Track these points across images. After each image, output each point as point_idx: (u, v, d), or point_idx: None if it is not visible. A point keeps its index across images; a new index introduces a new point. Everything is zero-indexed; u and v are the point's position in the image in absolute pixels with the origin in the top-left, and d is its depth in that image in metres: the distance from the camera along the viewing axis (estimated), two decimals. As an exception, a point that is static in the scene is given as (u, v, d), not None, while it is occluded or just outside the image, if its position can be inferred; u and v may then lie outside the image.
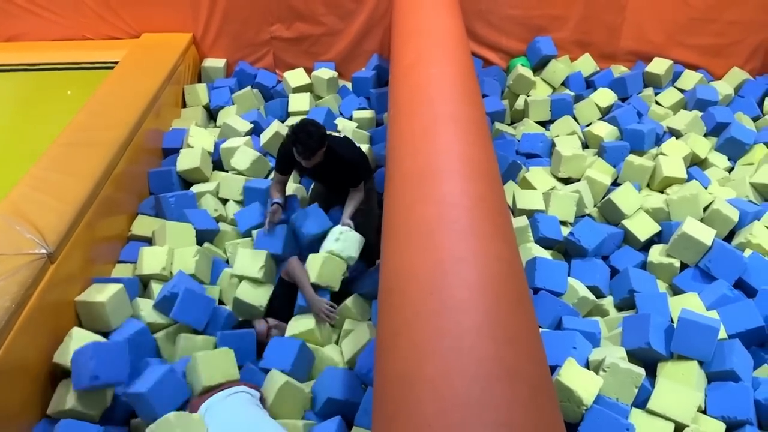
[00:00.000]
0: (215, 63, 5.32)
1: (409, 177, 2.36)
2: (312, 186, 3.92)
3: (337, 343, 3.19)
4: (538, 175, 4.11)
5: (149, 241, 3.65)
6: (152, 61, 4.79)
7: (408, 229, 2.09)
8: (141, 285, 3.35)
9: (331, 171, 3.40)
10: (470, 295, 1.72)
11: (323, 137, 3.20)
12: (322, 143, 3.19)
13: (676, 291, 3.38)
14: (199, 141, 4.29)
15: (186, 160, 4.06)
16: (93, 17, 5.22)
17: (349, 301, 3.24)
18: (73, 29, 5.26)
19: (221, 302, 3.40)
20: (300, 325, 3.11)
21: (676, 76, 5.19)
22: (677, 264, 3.42)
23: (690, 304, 3.10)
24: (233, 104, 4.91)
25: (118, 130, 3.80)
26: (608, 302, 3.37)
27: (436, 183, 2.23)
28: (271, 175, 4.05)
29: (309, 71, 5.20)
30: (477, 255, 1.87)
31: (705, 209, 3.71)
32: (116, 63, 4.78)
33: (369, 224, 3.55)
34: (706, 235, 3.36)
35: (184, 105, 4.97)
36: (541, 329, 3.02)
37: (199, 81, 5.30)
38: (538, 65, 5.24)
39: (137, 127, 3.97)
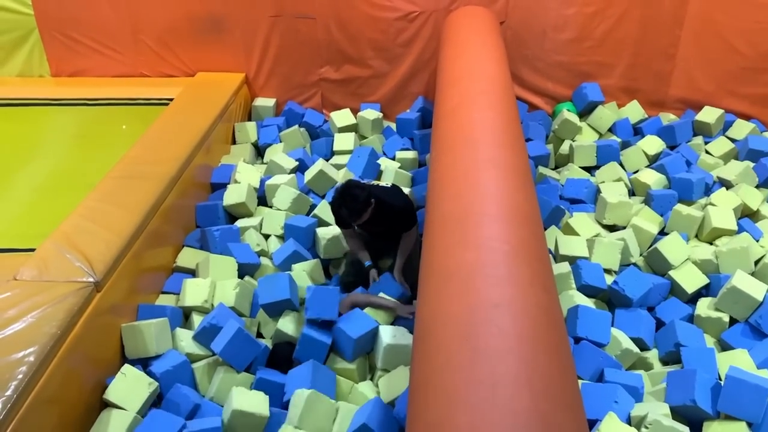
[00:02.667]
0: (265, 102, 5.48)
1: (449, 220, 2.36)
2: (348, 236, 3.77)
3: (371, 379, 3.16)
4: (582, 221, 4.05)
5: (193, 272, 3.73)
6: (206, 98, 4.97)
7: (445, 272, 2.08)
8: (183, 316, 3.42)
9: (383, 221, 3.40)
10: (506, 343, 1.69)
11: (368, 198, 3.22)
12: (368, 204, 3.21)
13: (724, 347, 3.25)
14: (245, 177, 4.40)
15: (232, 195, 4.16)
16: (151, 56, 5.47)
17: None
18: (133, 67, 5.52)
19: (259, 335, 3.43)
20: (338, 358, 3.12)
21: (727, 125, 5.09)
22: (726, 318, 3.29)
23: (739, 361, 2.98)
24: (280, 142, 5.03)
25: (169, 165, 3.94)
26: (653, 355, 3.26)
27: (476, 227, 2.22)
28: (314, 211, 4.13)
29: (355, 112, 5.30)
30: (514, 302, 1.85)
31: (756, 263, 3.59)
32: (171, 100, 4.98)
33: (413, 267, 3.55)
34: (757, 289, 3.23)
35: (234, 142, 5.12)
36: (581, 381, 2.93)
37: (250, 119, 5.46)
38: (585, 111, 5.22)
39: (188, 162, 4.09)
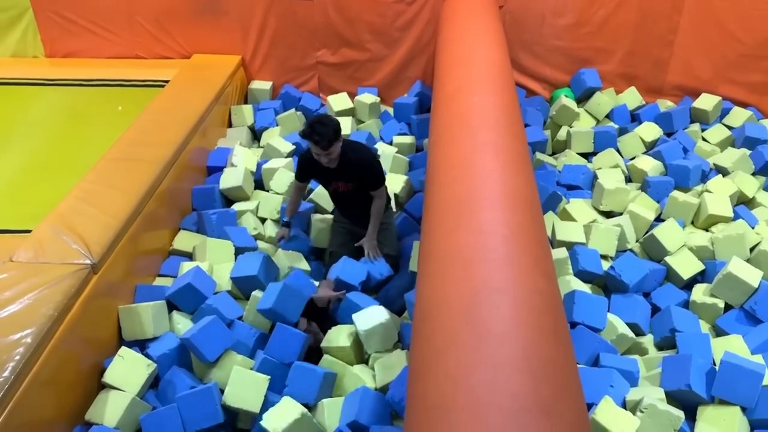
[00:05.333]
0: (262, 85, 5.44)
1: (448, 204, 2.35)
2: (334, 229, 3.86)
3: (367, 363, 3.17)
4: (578, 207, 4.06)
5: (190, 256, 3.72)
6: (201, 81, 4.93)
7: (445, 257, 2.08)
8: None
9: (350, 171, 3.43)
10: (506, 326, 1.69)
11: (338, 127, 3.26)
12: (337, 133, 3.24)
13: (719, 332, 3.27)
14: (242, 160, 4.38)
15: (229, 179, 4.14)
16: (147, 37, 5.41)
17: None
18: (128, 48, 5.46)
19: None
20: (335, 338, 3.11)
21: (725, 112, 5.09)
22: (721, 305, 3.32)
23: (733, 346, 3.00)
24: (277, 126, 5.00)
25: (165, 148, 3.91)
26: (648, 341, 3.28)
27: (475, 212, 2.22)
28: (310, 196, 4.12)
29: (352, 96, 5.28)
30: (514, 286, 1.85)
31: (751, 250, 3.60)
32: (167, 82, 4.94)
33: (390, 240, 3.69)
34: (752, 276, 3.25)
35: (230, 125, 5.08)
36: (577, 365, 2.95)
37: (246, 102, 5.42)
38: (582, 97, 5.21)
39: (184, 145, 4.07)
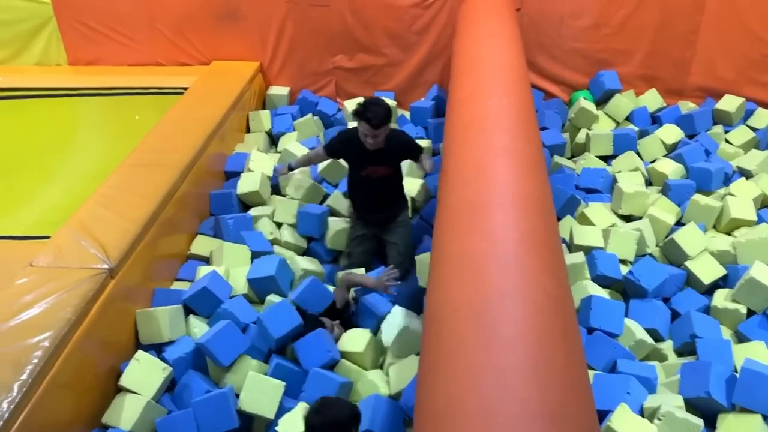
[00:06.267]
0: (280, 91, 5.48)
1: (460, 208, 2.34)
2: (351, 231, 3.88)
3: (381, 367, 3.16)
4: (597, 211, 4.00)
5: (207, 260, 3.76)
6: (220, 87, 4.98)
7: (456, 260, 2.07)
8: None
9: (389, 157, 3.58)
10: (515, 331, 1.67)
11: (390, 109, 3.45)
12: (389, 115, 3.42)
13: (741, 339, 3.20)
14: (259, 165, 4.41)
15: (246, 184, 4.17)
16: (167, 44, 5.49)
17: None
18: (148, 55, 5.53)
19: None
20: (351, 343, 3.11)
21: (748, 114, 4.99)
22: (743, 310, 3.24)
23: (755, 353, 2.93)
24: (294, 131, 5.02)
25: (183, 153, 3.96)
26: (667, 347, 3.23)
27: (486, 216, 2.20)
28: (327, 201, 4.13)
29: (369, 100, 5.28)
30: (523, 290, 1.83)
31: (775, 254, 3.52)
32: (186, 88, 5.00)
33: (404, 240, 3.77)
34: (775, 281, 3.18)
35: (248, 130, 5.13)
36: (593, 372, 2.91)
37: (264, 107, 5.46)
38: (602, 99, 5.15)
39: (202, 151, 4.11)
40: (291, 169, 4.13)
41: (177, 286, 3.57)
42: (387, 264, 3.59)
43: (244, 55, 5.43)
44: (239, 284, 3.45)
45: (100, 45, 5.52)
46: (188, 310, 3.30)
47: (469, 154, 2.68)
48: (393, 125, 4.99)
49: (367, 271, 3.56)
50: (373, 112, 3.35)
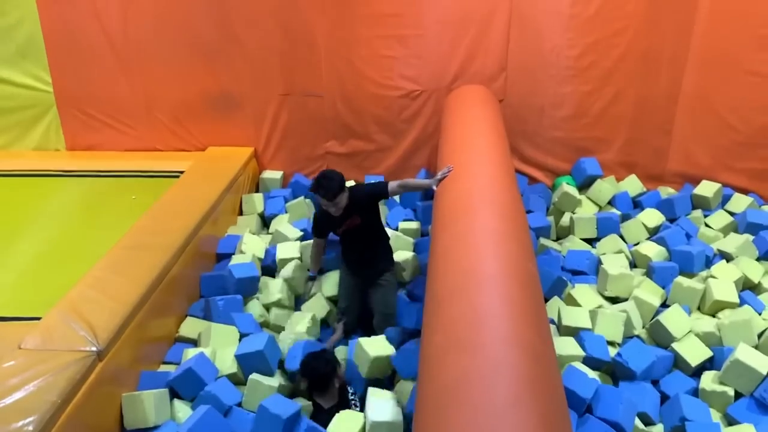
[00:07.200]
0: (273, 174, 5.63)
1: (447, 285, 2.41)
2: (340, 278, 4.11)
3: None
4: (584, 292, 4.06)
5: (195, 342, 3.74)
6: (215, 171, 5.11)
7: (448, 329, 2.11)
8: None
9: (358, 205, 3.71)
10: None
11: (342, 180, 3.62)
12: (342, 184, 3.60)
13: (730, 422, 3.19)
14: (251, 248, 4.47)
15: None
16: (164, 131, 5.67)
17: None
18: (146, 141, 5.71)
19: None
20: (341, 426, 3.04)
21: (726, 198, 5.16)
22: (731, 392, 3.26)
23: (746, 437, 2.93)
24: (286, 212, 5.12)
25: (175, 235, 4.02)
26: (658, 430, 3.21)
27: (472, 296, 2.27)
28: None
29: (359, 184, 5.43)
30: (512, 365, 1.87)
31: (759, 336, 3.57)
32: (182, 172, 5.13)
33: (388, 300, 3.91)
34: (760, 362, 3.21)
35: (241, 213, 5.22)
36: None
37: (257, 191, 5.59)
38: (584, 184, 5.32)
39: (194, 233, 4.18)
40: (313, 278, 4.22)
41: (164, 368, 3.54)
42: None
43: (240, 141, 5.62)
44: (226, 365, 3.43)
45: (98, 132, 5.69)
46: (173, 393, 3.26)
47: (453, 234, 2.78)
48: (382, 208, 5.15)
49: (352, 330, 3.91)
50: (325, 188, 3.56)
